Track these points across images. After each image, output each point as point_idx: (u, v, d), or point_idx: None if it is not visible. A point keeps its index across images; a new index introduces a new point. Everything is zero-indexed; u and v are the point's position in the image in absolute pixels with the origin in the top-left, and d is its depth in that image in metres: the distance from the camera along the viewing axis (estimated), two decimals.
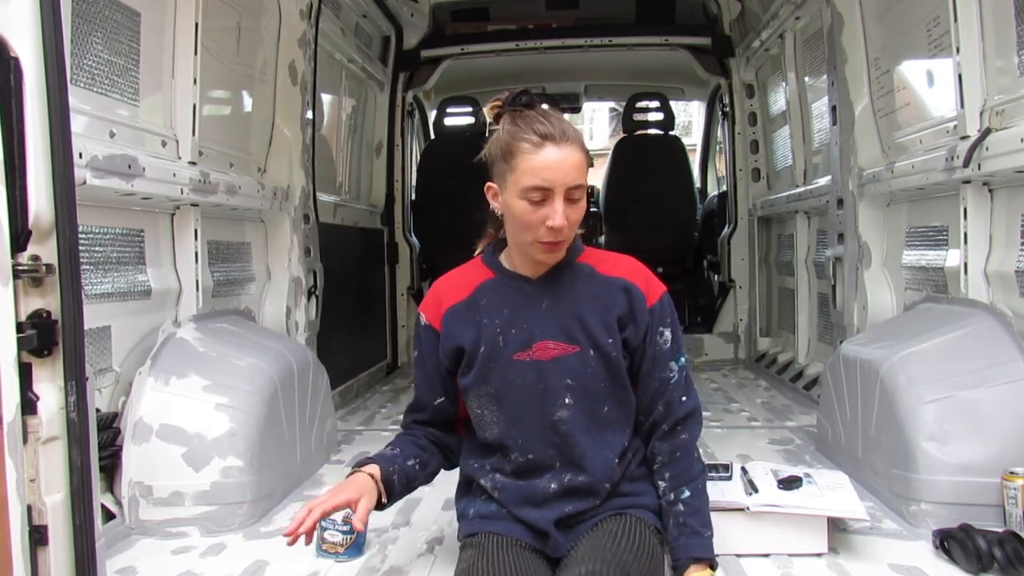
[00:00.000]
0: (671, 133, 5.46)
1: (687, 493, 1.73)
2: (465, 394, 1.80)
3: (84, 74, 2.21)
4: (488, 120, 1.74)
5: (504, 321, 1.74)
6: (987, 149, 2.30)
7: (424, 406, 1.86)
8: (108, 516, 2.13)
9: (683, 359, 1.78)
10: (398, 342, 5.13)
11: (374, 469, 1.74)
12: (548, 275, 1.75)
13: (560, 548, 1.70)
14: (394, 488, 1.76)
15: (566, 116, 6.87)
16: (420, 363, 1.84)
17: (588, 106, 10.30)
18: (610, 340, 1.72)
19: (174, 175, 2.45)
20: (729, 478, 2.04)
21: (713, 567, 1.69)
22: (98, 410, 2.10)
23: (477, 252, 1.86)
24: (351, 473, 1.76)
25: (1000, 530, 1.86)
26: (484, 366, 1.74)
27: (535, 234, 1.65)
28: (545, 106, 1.70)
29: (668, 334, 1.76)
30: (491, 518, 1.75)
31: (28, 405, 1.49)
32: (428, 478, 1.87)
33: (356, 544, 1.98)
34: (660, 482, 1.76)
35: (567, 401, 1.72)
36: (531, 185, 1.61)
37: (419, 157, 5.56)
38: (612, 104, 10.85)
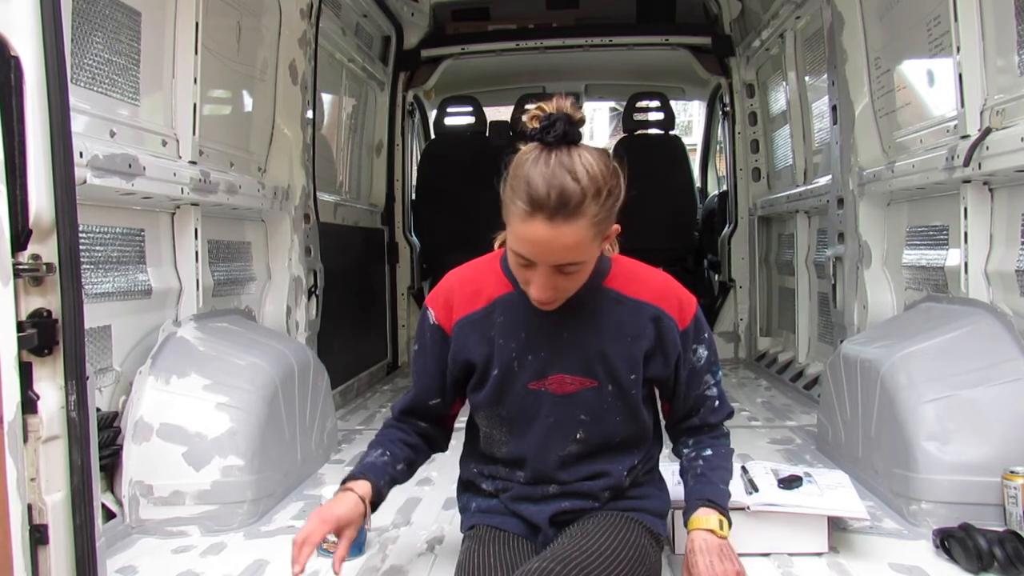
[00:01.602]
0: (671, 133, 5.46)
1: (709, 452, 1.72)
2: (475, 410, 1.75)
3: (84, 73, 2.21)
4: (526, 128, 1.51)
5: (520, 346, 1.65)
6: (987, 148, 2.30)
7: (417, 405, 1.79)
8: (108, 515, 2.13)
9: (720, 373, 1.75)
10: (398, 342, 5.13)
11: (365, 489, 1.68)
12: (570, 299, 1.62)
13: (549, 541, 1.68)
14: (381, 499, 1.73)
15: None
16: (421, 358, 1.76)
17: (588, 106, 10.29)
18: (632, 376, 1.65)
19: (174, 174, 2.45)
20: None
21: (726, 519, 1.64)
22: (98, 409, 2.10)
23: (497, 246, 1.73)
24: (342, 488, 1.70)
25: (1000, 529, 1.86)
26: (497, 389, 1.67)
27: (524, 287, 1.56)
28: (582, 117, 1.49)
29: (703, 351, 1.71)
30: (490, 512, 1.76)
31: (28, 404, 1.49)
32: (411, 476, 1.82)
33: (356, 543, 1.98)
34: (684, 449, 1.76)
35: (579, 436, 1.68)
36: (516, 250, 1.50)
37: (419, 157, 5.56)
38: (612, 104, 10.86)
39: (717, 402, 1.75)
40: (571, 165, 1.44)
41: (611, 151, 1.58)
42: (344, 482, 1.73)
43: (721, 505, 1.66)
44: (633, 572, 1.58)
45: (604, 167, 1.48)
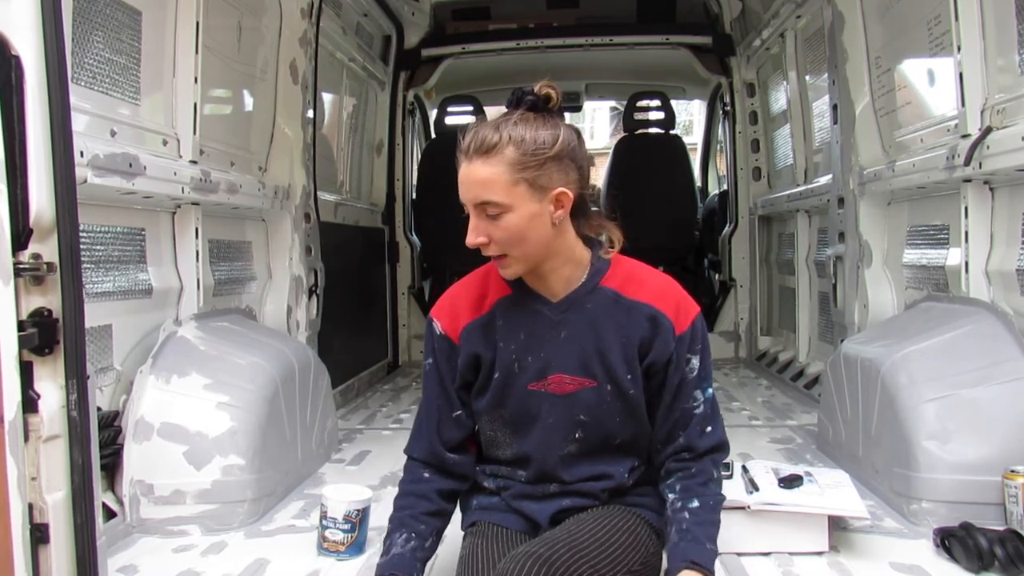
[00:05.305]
0: (672, 132, 5.46)
1: (696, 503, 1.62)
2: (478, 416, 1.74)
3: (85, 73, 2.21)
4: None
5: (520, 347, 1.66)
6: (988, 148, 2.30)
7: (441, 421, 1.73)
8: (109, 514, 2.13)
9: (710, 389, 1.67)
10: (399, 341, 5.14)
11: None
12: (568, 299, 1.64)
13: None
14: None
15: (567, 115, 6.82)
16: (434, 373, 1.73)
17: (589, 105, 10.30)
18: (629, 376, 1.64)
19: (175, 174, 2.45)
20: (730, 477, 2.04)
21: None
22: (99, 408, 2.10)
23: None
24: None
25: (1001, 528, 1.86)
26: (499, 391, 1.68)
27: None
28: (550, 93, 1.62)
29: (696, 362, 1.64)
30: (491, 509, 1.76)
31: (29, 403, 1.49)
32: (440, 540, 1.77)
33: (357, 543, 1.98)
34: (670, 494, 1.66)
35: (577, 436, 1.67)
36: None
37: (420, 156, 5.56)
38: (613, 103, 10.86)
39: (708, 427, 1.66)
40: (504, 121, 1.57)
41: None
42: None
43: (706, 567, 1.57)
44: (626, 555, 1.57)
45: (543, 132, 1.56)
